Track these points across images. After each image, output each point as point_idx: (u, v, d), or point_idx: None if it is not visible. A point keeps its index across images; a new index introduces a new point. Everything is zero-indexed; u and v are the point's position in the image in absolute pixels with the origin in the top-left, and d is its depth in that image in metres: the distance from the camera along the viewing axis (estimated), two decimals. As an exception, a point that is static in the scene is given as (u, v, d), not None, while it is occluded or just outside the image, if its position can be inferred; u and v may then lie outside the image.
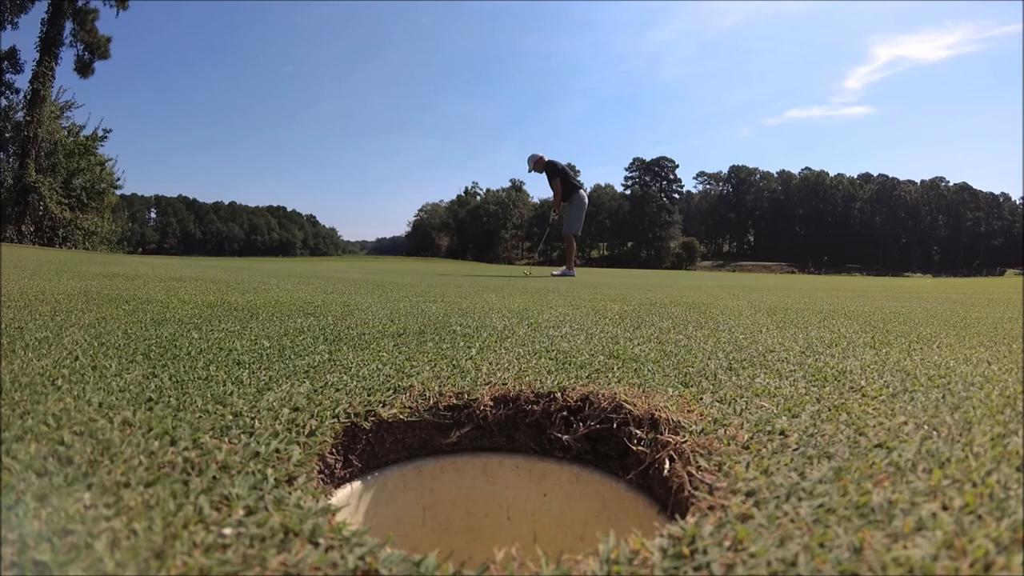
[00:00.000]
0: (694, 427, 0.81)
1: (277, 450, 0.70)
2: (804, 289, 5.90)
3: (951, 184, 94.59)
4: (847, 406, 0.94)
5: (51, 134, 20.95)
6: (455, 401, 0.96)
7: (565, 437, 0.91)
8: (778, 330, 1.96)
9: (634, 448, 0.83)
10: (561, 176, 8.34)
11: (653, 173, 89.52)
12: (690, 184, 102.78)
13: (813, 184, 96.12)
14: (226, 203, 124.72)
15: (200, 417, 0.81)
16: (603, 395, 0.95)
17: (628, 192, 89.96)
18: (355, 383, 1.04)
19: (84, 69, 23.29)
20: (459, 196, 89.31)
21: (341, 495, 0.79)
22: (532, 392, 0.99)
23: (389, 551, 0.48)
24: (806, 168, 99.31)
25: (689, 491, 0.64)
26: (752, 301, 3.50)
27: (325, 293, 3.07)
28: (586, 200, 8.62)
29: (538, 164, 8.48)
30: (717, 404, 0.95)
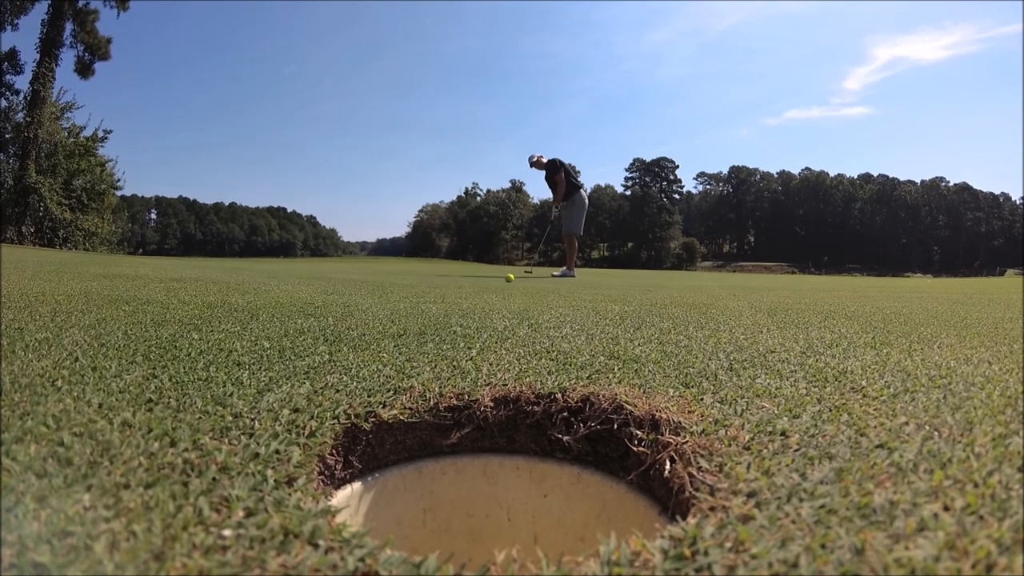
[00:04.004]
0: (695, 428, 0.81)
1: (277, 451, 0.70)
2: (804, 289, 5.90)
3: (951, 184, 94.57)
4: (848, 407, 0.94)
5: (51, 135, 20.97)
6: (455, 402, 0.96)
7: (566, 438, 0.91)
8: (779, 330, 1.96)
9: (635, 449, 0.83)
10: (564, 171, 8.32)
11: (653, 174, 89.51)
12: (690, 184, 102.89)
13: (813, 184, 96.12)
14: (226, 204, 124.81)
15: (200, 418, 0.81)
16: (604, 396, 0.95)
17: (628, 193, 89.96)
18: (355, 384, 1.04)
19: (84, 70, 23.32)
20: (459, 197, 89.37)
21: (341, 496, 0.79)
22: (532, 393, 0.99)
23: (389, 553, 0.48)
24: (806, 168, 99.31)
25: (690, 492, 0.64)
26: (752, 301, 3.50)
27: (325, 294, 3.07)
28: (587, 200, 8.60)
29: (538, 162, 8.44)
30: (718, 405, 0.95)
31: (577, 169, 9.23)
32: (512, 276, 6.70)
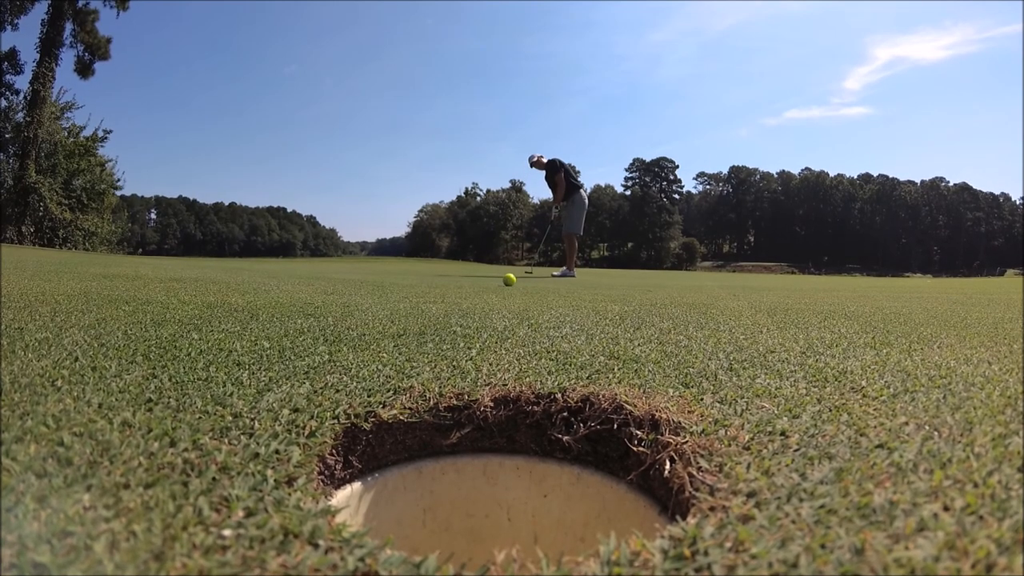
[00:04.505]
0: (695, 428, 0.81)
1: (277, 451, 0.70)
2: (804, 289, 5.90)
3: (951, 184, 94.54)
4: (848, 407, 0.94)
5: (51, 135, 20.97)
6: (455, 402, 0.96)
7: (565, 438, 0.91)
8: (778, 330, 1.96)
9: (635, 449, 0.83)
10: (564, 172, 8.34)
11: (653, 174, 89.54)
12: (690, 184, 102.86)
13: (813, 184, 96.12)
14: (226, 204, 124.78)
15: (200, 418, 0.81)
16: (603, 396, 0.95)
17: (628, 193, 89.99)
18: (355, 384, 1.04)
19: (84, 70, 23.32)
20: (459, 197, 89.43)
21: (341, 496, 0.79)
22: (532, 393, 0.99)
23: (389, 553, 0.48)
24: (806, 168, 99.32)
25: (690, 492, 0.64)
26: (752, 301, 3.50)
27: (325, 294, 3.07)
28: (587, 200, 8.60)
29: (538, 162, 8.46)
30: (718, 405, 0.95)
31: (577, 169, 9.22)
32: (513, 277, 5.58)
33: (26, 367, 1.06)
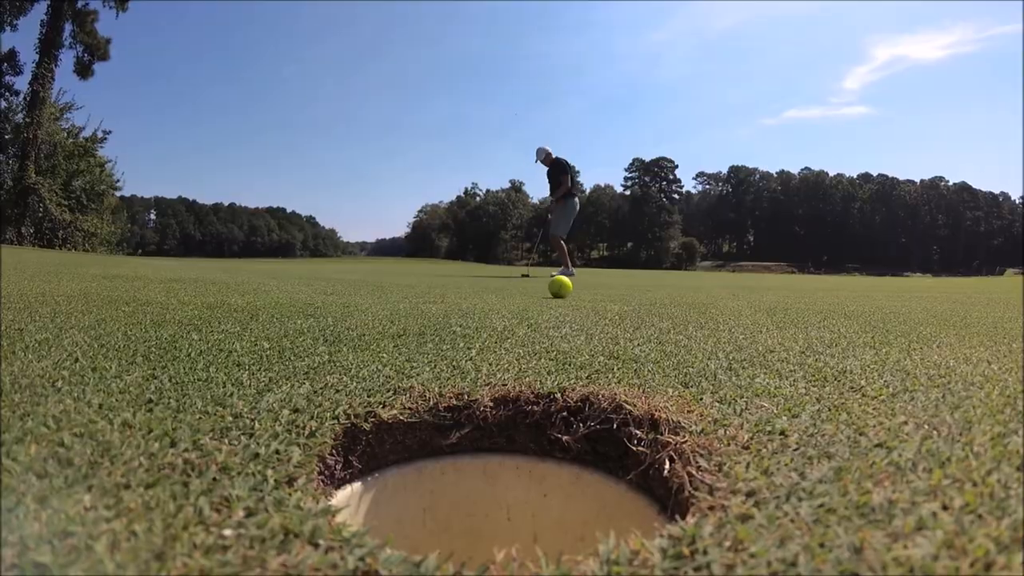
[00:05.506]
0: (694, 427, 0.81)
1: (277, 451, 0.70)
2: (804, 289, 5.90)
3: (951, 184, 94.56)
4: (847, 406, 0.94)
5: (51, 136, 20.95)
6: (455, 402, 0.96)
7: (565, 438, 0.91)
8: (778, 330, 1.96)
9: (634, 448, 0.83)
10: (569, 176, 8.47)
11: (653, 173, 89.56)
12: (689, 184, 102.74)
13: (813, 184, 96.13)
14: (226, 204, 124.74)
15: (200, 419, 0.81)
16: (603, 396, 0.95)
17: (628, 192, 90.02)
18: (355, 384, 1.04)
19: (84, 71, 23.30)
20: (459, 197, 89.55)
21: (341, 496, 0.79)
22: (532, 393, 0.99)
23: (389, 552, 0.48)
24: (806, 168, 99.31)
25: (689, 491, 0.64)
26: (752, 301, 3.50)
27: (325, 294, 3.07)
28: (578, 207, 8.74)
29: (547, 158, 8.54)
30: (717, 404, 0.95)
31: (577, 169, 9.32)
32: (568, 283, 3.75)
33: (26, 368, 1.06)
